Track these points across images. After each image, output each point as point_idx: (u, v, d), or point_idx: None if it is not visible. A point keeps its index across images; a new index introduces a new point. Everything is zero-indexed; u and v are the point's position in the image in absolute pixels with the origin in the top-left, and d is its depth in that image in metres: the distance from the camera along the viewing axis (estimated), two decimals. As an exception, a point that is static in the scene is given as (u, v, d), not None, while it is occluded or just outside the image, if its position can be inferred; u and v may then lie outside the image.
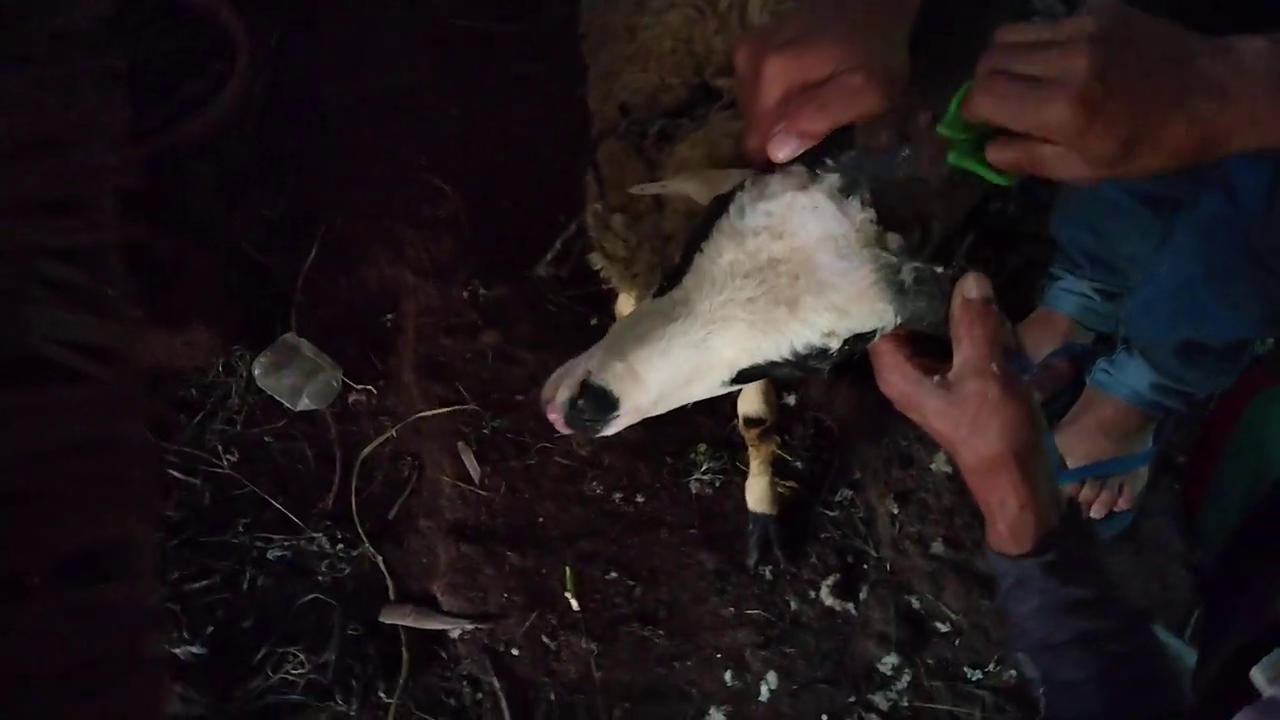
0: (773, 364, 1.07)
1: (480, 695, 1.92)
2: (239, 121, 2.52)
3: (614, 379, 1.07)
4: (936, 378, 1.03)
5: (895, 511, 2.12)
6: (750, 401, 1.91)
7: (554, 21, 2.65)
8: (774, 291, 1.03)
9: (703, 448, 2.19)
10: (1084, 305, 2.16)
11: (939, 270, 1.03)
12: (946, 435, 1.04)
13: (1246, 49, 0.89)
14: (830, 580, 2.04)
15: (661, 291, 1.10)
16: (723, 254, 1.06)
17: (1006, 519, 1.03)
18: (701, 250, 1.07)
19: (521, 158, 2.57)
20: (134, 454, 1.31)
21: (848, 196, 1.03)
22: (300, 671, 1.93)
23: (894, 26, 1.06)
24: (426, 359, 2.27)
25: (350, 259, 2.42)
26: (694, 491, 2.15)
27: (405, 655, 1.95)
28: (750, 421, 1.93)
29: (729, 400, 1.97)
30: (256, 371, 2.21)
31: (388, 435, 2.19)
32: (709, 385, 1.11)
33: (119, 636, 1.17)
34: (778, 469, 2.13)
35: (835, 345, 1.05)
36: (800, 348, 1.05)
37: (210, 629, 1.96)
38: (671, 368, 1.07)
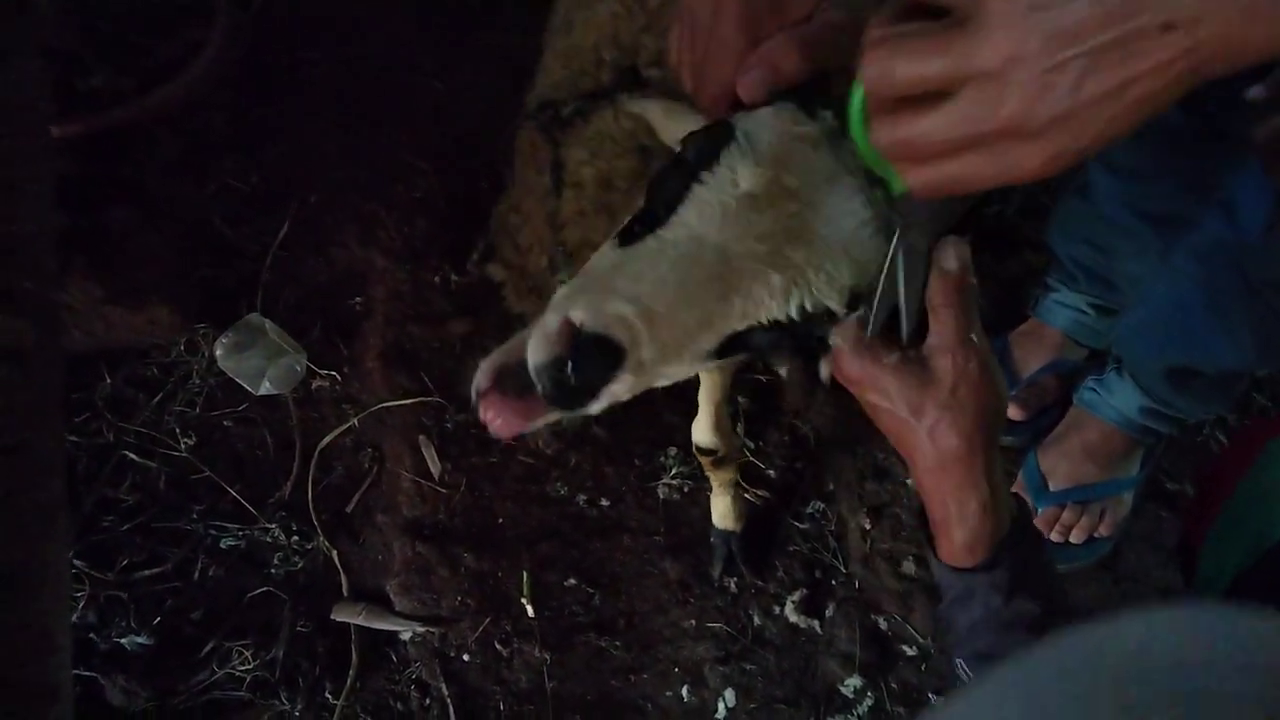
0: (776, 325, 0.89)
1: (429, 701, 1.87)
2: (214, 89, 2.44)
3: (617, 323, 0.84)
4: (897, 353, 0.92)
5: (867, 527, 2.03)
6: (702, 430, 1.81)
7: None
8: (788, 230, 0.87)
9: (673, 451, 2.11)
10: (1077, 320, 2.07)
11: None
12: (908, 422, 0.93)
13: None
14: (796, 595, 1.97)
15: (634, 237, 0.90)
16: (738, 182, 0.88)
17: (966, 523, 0.95)
18: (701, 180, 0.89)
19: (503, 137, 2.48)
20: (44, 466, 1.25)
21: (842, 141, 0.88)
22: (247, 667, 1.88)
23: None
24: (393, 346, 2.20)
25: (321, 238, 2.35)
26: (661, 497, 2.08)
27: (355, 655, 1.90)
28: (703, 451, 1.84)
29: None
30: (219, 352, 2.14)
31: (349, 425, 2.12)
32: (696, 353, 0.91)
33: (10, 660, 1.12)
34: (748, 476, 2.06)
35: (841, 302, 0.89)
36: (809, 306, 0.88)
37: (157, 619, 1.92)
38: (692, 309, 0.87)
